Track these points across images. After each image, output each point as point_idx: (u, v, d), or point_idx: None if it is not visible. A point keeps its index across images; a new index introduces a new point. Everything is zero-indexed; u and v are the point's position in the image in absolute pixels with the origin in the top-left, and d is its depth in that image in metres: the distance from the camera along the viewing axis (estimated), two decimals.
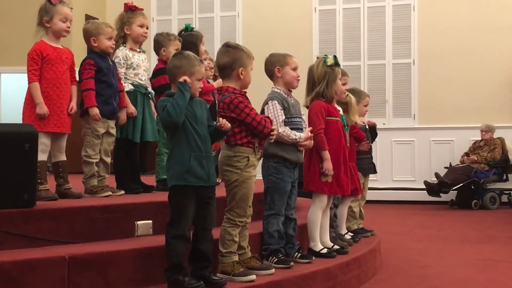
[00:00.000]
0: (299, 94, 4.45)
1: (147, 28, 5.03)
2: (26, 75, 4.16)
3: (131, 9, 5.00)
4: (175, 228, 3.37)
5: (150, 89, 5.01)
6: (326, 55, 4.46)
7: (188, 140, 3.40)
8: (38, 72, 4.14)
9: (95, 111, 4.41)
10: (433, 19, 10.48)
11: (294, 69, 4.21)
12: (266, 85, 4.27)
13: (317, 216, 4.42)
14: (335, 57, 4.44)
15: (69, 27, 4.31)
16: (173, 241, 3.36)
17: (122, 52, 4.86)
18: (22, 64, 4.18)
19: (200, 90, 3.52)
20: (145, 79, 4.95)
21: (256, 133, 3.69)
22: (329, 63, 4.38)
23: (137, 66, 4.90)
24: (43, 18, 4.24)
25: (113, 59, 4.81)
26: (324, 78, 4.39)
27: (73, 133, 4.37)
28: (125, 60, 4.84)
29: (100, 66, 4.51)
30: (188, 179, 3.37)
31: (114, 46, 4.71)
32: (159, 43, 5.17)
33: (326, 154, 4.31)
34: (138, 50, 4.98)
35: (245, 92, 3.79)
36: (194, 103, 3.50)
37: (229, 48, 3.79)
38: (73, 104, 4.35)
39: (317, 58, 4.48)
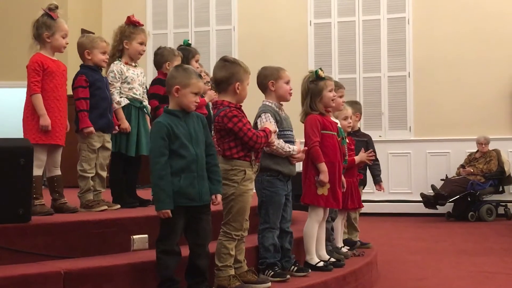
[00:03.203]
0: (292, 108, 4.46)
1: (145, 45, 5.02)
2: (19, 89, 4.14)
3: (133, 24, 4.96)
4: (164, 244, 3.38)
5: (145, 102, 5.01)
6: (320, 69, 4.49)
7: (178, 162, 3.39)
8: (40, 84, 4.13)
9: (89, 130, 4.45)
10: (428, 32, 10.53)
11: (287, 82, 4.22)
12: (258, 98, 4.28)
13: (313, 230, 4.41)
14: (316, 71, 4.47)
15: (67, 43, 4.33)
16: (163, 256, 3.37)
17: (117, 67, 4.86)
18: (17, 78, 4.17)
19: (196, 104, 3.52)
20: (139, 93, 4.94)
21: (248, 148, 3.70)
22: (311, 79, 4.42)
23: (132, 80, 4.89)
24: (42, 32, 4.20)
25: (107, 73, 4.82)
26: (307, 94, 4.43)
27: (68, 148, 4.37)
28: (120, 75, 4.84)
29: (92, 79, 4.54)
30: (178, 200, 3.36)
31: (107, 60, 4.73)
32: (164, 57, 5.14)
33: (323, 166, 4.31)
34: (133, 64, 4.98)
35: (241, 106, 3.80)
36: (190, 118, 3.50)
37: (226, 62, 3.80)
38: (67, 122, 4.38)
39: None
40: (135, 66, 4.99)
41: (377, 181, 6.07)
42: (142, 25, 5.04)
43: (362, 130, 6.45)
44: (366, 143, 5.83)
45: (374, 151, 5.70)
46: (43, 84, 4.15)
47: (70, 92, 4.65)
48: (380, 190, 6.14)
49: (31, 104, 4.13)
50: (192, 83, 3.47)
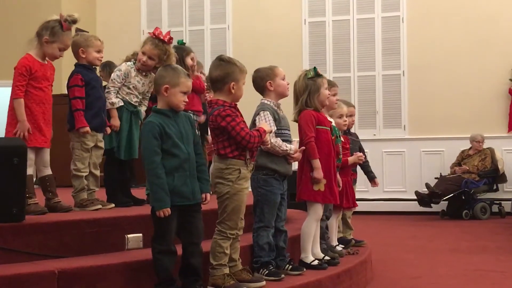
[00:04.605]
0: (287, 106, 4.46)
1: (149, 58, 4.76)
2: (8, 88, 4.10)
3: (151, 35, 4.82)
4: (160, 244, 3.38)
5: (140, 108, 4.95)
6: (314, 68, 4.50)
7: (171, 161, 3.39)
8: (25, 88, 4.08)
9: (86, 129, 4.44)
10: (422, 31, 10.55)
11: (283, 78, 4.24)
12: (255, 98, 4.28)
13: (311, 228, 4.41)
14: (315, 68, 4.48)
15: (61, 56, 4.27)
16: (160, 256, 3.37)
17: (126, 68, 4.81)
18: (10, 77, 4.13)
19: (185, 104, 3.51)
20: (135, 101, 4.86)
21: (242, 147, 3.69)
22: (309, 76, 4.42)
23: (134, 87, 4.82)
24: (44, 35, 4.14)
25: (115, 70, 4.79)
26: (305, 90, 4.42)
27: (61, 147, 4.36)
28: (125, 76, 4.80)
29: (88, 79, 4.52)
30: (172, 199, 3.36)
31: (101, 59, 4.70)
32: None
33: (317, 163, 4.32)
34: (144, 73, 4.88)
35: (235, 105, 3.79)
36: (180, 118, 3.50)
37: (222, 61, 3.78)
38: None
39: (301, 72, 4.52)
40: (146, 75, 4.88)
41: (372, 178, 6.11)
42: (156, 37, 4.78)
43: (352, 130, 6.48)
44: (359, 142, 5.90)
45: (362, 150, 5.75)
46: (28, 87, 4.10)
47: (64, 91, 4.62)
48: (376, 186, 6.18)
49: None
50: (181, 82, 3.46)
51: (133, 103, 4.86)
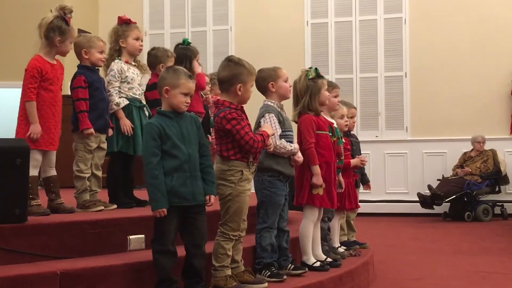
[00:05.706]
0: (287, 106, 4.46)
1: (141, 41, 5.05)
2: (16, 89, 4.10)
3: (125, 22, 4.98)
4: (158, 244, 3.39)
5: (144, 102, 5.00)
6: (310, 68, 4.49)
7: (170, 162, 3.39)
8: (36, 90, 4.09)
9: (90, 131, 4.45)
10: (424, 32, 10.55)
11: (286, 80, 4.23)
12: (259, 98, 4.27)
13: (308, 230, 4.41)
14: (316, 69, 4.46)
15: (71, 49, 4.34)
16: (158, 256, 3.38)
17: (117, 65, 4.83)
18: (15, 78, 4.14)
19: (187, 105, 3.51)
20: (139, 93, 4.93)
21: (245, 151, 3.69)
22: (310, 76, 4.41)
23: (132, 80, 4.87)
24: (54, 36, 4.13)
25: (107, 72, 4.81)
26: (306, 92, 4.40)
27: (64, 148, 4.36)
28: (120, 74, 4.82)
29: (91, 80, 4.52)
30: (170, 200, 3.37)
31: (104, 60, 4.72)
32: (158, 58, 5.13)
33: (317, 169, 4.32)
34: (133, 63, 4.97)
35: (242, 107, 3.79)
36: (183, 119, 3.50)
37: (230, 62, 3.78)
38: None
39: (301, 71, 4.50)
40: (135, 65, 4.97)
41: (365, 181, 6.07)
42: (134, 22, 5.06)
43: (354, 132, 6.47)
44: (359, 144, 5.90)
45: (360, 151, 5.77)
46: (39, 90, 4.10)
47: (67, 92, 4.62)
48: (369, 189, 6.14)
49: (25, 109, 4.09)
50: (181, 83, 3.46)
51: (137, 96, 4.89)
